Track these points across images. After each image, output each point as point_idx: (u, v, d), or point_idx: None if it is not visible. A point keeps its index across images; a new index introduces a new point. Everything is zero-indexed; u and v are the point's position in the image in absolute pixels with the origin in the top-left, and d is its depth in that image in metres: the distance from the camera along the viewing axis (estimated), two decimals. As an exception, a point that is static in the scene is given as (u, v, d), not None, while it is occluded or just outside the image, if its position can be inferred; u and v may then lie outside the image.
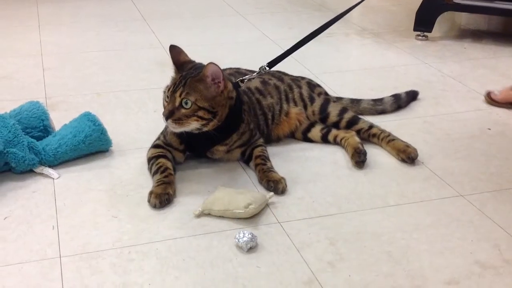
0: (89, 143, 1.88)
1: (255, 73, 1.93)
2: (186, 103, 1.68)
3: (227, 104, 1.74)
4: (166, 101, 1.71)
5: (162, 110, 1.74)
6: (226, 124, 1.76)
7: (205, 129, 1.71)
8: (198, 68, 1.74)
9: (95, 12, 3.69)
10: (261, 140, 1.90)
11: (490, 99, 2.36)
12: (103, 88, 2.50)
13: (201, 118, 1.69)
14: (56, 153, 1.84)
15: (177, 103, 1.68)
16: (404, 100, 2.30)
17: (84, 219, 1.61)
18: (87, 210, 1.65)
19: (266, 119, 1.97)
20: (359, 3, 2.26)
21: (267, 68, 1.93)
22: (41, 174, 1.81)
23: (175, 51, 1.80)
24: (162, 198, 1.65)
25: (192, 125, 1.70)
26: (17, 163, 1.77)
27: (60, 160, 1.86)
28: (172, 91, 1.70)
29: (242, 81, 1.86)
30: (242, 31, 3.36)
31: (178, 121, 1.68)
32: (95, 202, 1.69)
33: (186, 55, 1.82)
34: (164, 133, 1.87)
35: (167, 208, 1.66)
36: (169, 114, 1.68)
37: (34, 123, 1.92)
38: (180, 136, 1.80)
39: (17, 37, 3.16)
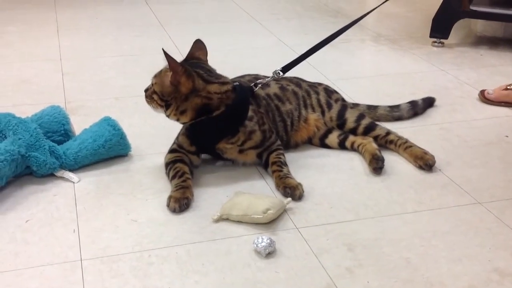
0: (109, 148, 1.91)
1: (269, 78, 1.95)
2: (151, 85, 1.82)
3: (191, 101, 1.76)
4: None
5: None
6: (221, 120, 1.78)
7: (165, 114, 1.82)
8: (194, 65, 1.82)
9: (112, 17, 3.72)
10: (277, 144, 1.91)
11: (484, 98, 2.43)
12: (121, 92, 2.53)
13: (156, 102, 1.81)
14: (76, 157, 1.86)
15: (150, 83, 1.84)
16: (421, 107, 2.30)
17: (104, 223, 1.63)
18: (107, 213, 1.67)
19: (285, 126, 1.98)
20: (373, 9, 2.28)
21: (281, 73, 1.95)
22: (62, 178, 1.83)
23: (197, 45, 1.89)
24: (181, 202, 1.67)
25: (153, 106, 1.83)
26: (38, 167, 1.80)
27: (81, 164, 1.88)
28: None
29: (256, 85, 1.90)
30: (258, 36, 3.37)
31: (147, 98, 1.85)
32: (115, 206, 1.71)
33: (203, 54, 1.89)
34: (177, 136, 1.90)
35: (186, 213, 1.67)
36: (145, 90, 1.86)
37: (55, 127, 1.94)
38: (188, 135, 1.85)
39: (36, 42, 3.20)
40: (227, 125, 1.81)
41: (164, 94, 1.78)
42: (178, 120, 1.81)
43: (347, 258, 1.49)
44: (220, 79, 1.82)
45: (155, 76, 1.83)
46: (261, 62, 2.90)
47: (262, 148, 1.87)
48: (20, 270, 1.45)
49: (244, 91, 1.85)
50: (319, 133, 2.03)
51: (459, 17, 3.12)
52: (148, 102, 1.85)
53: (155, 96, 1.81)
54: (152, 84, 1.83)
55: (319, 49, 2.05)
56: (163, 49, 1.73)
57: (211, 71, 1.84)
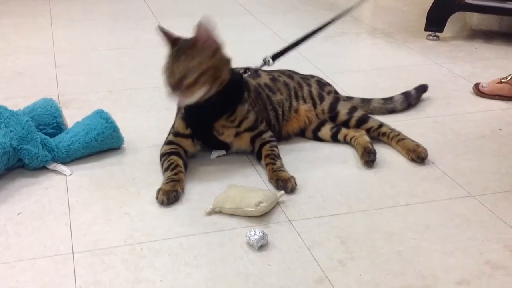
0: (102, 141, 1.90)
1: (260, 65, 1.95)
2: None
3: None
4: None
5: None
6: (219, 96, 1.77)
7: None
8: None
9: (107, 9, 3.71)
10: (270, 135, 1.90)
11: (478, 91, 2.43)
12: (115, 86, 2.52)
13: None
14: (68, 150, 1.85)
15: None
16: (414, 97, 2.29)
17: (96, 216, 1.63)
18: (99, 206, 1.67)
19: (277, 115, 1.98)
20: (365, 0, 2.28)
21: (271, 61, 1.94)
22: (54, 170, 1.83)
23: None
24: (169, 195, 1.66)
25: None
26: (30, 160, 1.79)
27: (73, 157, 1.87)
28: None
29: (245, 72, 1.90)
30: (254, 30, 3.36)
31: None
32: (107, 199, 1.70)
33: None
34: (174, 123, 1.88)
35: (178, 206, 1.67)
36: None
37: (47, 120, 1.93)
38: (185, 116, 1.83)
39: (30, 35, 3.19)
40: (225, 101, 1.79)
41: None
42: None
43: (339, 250, 1.49)
44: None
45: None
46: (256, 55, 2.86)
47: (256, 131, 1.86)
48: (12, 263, 1.44)
49: (236, 74, 1.85)
50: (311, 125, 2.03)
51: (454, 11, 3.12)
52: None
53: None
54: None
55: (311, 37, 2.04)
56: None
57: None
